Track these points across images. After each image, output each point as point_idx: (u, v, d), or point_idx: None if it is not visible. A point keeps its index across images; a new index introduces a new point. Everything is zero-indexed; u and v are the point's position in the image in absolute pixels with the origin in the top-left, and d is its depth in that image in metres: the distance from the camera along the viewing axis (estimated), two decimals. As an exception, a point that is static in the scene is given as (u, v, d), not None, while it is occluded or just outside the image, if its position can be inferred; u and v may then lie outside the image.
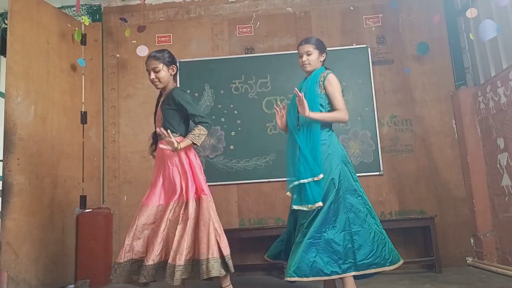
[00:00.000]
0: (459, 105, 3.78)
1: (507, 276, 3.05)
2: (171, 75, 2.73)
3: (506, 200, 3.28)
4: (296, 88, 2.53)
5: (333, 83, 2.57)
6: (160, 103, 2.74)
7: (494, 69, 3.59)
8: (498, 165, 3.35)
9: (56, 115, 3.66)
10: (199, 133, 2.57)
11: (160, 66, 2.66)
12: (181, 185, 2.58)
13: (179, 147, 2.53)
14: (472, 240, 3.70)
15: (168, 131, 2.53)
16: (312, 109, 2.49)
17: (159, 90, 2.80)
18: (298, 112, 2.58)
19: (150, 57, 2.69)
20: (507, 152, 3.22)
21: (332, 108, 2.59)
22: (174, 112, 2.65)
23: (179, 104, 2.61)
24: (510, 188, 3.22)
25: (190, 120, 2.71)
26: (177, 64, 2.80)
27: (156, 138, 2.80)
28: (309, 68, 2.66)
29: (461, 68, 3.96)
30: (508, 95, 3.15)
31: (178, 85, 4.08)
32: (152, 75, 2.66)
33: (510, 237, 3.25)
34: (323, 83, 2.58)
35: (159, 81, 2.67)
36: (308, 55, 2.63)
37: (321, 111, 2.56)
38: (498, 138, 3.33)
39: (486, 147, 3.56)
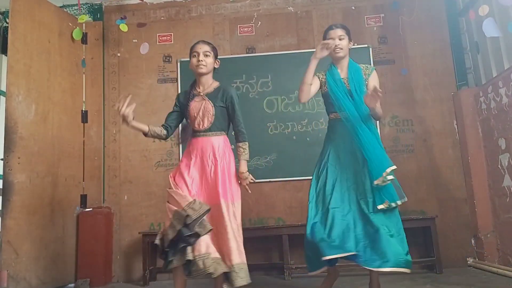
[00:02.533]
0: (460, 106, 3.77)
1: (508, 277, 3.04)
2: (214, 67, 2.65)
3: (507, 201, 3.27)
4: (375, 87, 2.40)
5: (376, 79, 2.58)
6: (206, 95, 2.59)
7: (495, 69, 3.58)
8: (499, 166, 3.34)
9: (57, 114, 3.66)
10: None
11: (211, 54, 2.60)
12: (223, 187, 2.50)
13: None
14: (473, 241, 3.69)
15: None
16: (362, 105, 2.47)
17: (200, 75, 2.61)
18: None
19: (201, 42, 2.63)
20: (508, 153, 3.21)
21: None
22: (223, 110, 2.59)
23: (232, 105, 2.58)
24: (511, 188, 3.21)
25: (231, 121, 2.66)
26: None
27: (189, 129, 2.67)
28: (342, 54, 2.54)
29: (462, 69, 3.95)
30: (509, 95, 3.14)
31: (179, 84, 4.11)
32: (202, 57, 2.55)
33: (511, 238, 3.24)
34: (367, 79, 2.55)
35: (206, 66, 2.57)
36: (341, 39, 2.53)
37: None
38: (499, 138, 3.33)
39: (487, 147, 3.55)
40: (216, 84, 2.64)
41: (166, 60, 4.17)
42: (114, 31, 4.24)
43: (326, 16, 4.15)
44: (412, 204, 3.79)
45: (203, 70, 2.57)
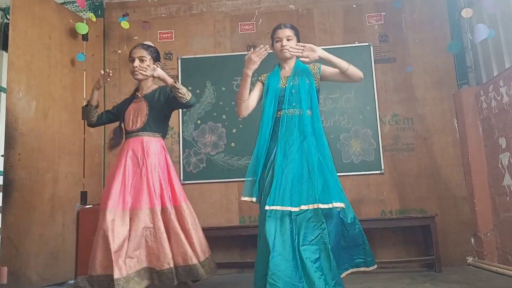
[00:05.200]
0: (461, 104, 3.77)
1: (507, 276, 3.04)
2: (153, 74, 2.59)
3: (507, 200, 3.27)
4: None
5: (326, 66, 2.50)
6: (143, 97, 2.63)
7: (496, 68, 3.58)
8: (499, 165, 3.34)
9: (57, 110, 3.66)
10: (187, 90, 2.49)
11: (148, 58, 2.59)
12: (161, 190, 2.51)
13: (154, 73, 2.45)
14: (472, 240, 3.69)
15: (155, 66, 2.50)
16: (314, 105, 2.45)
17: (138, 81, 2.68)
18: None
19: (138, 45, 2.63)
20: (508, 152, 3.21)
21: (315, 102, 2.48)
22: (161, 112, 2.60)
23: (168, 98, 2.54)
24: (511, 187, 3.21)
25: (168, 121, 2.72)
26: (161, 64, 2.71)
27: (120, 133, 2.71)
28: (288, 54, 2.49)
29: (463, 67, 3.95)
30: (510, 94, 3.14)
31: (180, 82, 4.09)
32: (137, 63, 2.55)
33: (511, 237, 3.25)
34: (318, 74, 2.51)
35: (140, 71, 2.57)
36: (289, 40, 2.49)
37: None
38: (500, 137, 3.33)
39: (487, 146, 3.55)
40: (155, 86, 2.63)
41: (167, 57, 4.16)
42: (115, 28, 4.24)
43: (327, 14, 4.15)
44: (412, 203, 3.80)
45: (137, 77, 2.57)
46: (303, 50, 2.36)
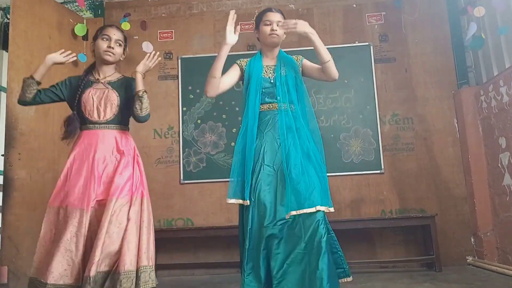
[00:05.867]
0: (461, 104, 3.77)
1: (507, 276, 3.05)
2: (120, 59, 2.46)
3: (507, 200, 3.27)
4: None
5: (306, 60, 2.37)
6: (109, 84, 2.41)
7: (496, 68, 3.58)
8: (499, 165, 3.35)
9: (57, 110, 3.64)
10: (147, 107, 2.32)
11: (124, 44, 2.44)
12: (129, 181, 2.30)
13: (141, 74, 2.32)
14: (472, 239, 3.69)
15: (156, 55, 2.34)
16: (303, 98, 2.32)
17: (104, 62, 2.44)
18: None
19: (115, 27, 2.45)
20: (508, 152, 3.21)
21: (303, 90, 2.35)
22: (128, 104, 2.37)
23: (130, 96, 2.36)
24: (511, 187, 3.22)
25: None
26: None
27: (76, 121, 2.41)
28: (276, 40, 2.30)
29: (463, 67, 3.95)
30: (510, 94, 3.14)
31: (180, 82, 4.11)
32: (112, 44, 2.34)
33: (511, 236, 3.25)
34: (301, 66, 2.36)
35: (114, 55, 2.38)
36: (278, 25, 2.28)
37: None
38: (500, 137, 3.33)
39: (487, 146, 3.55)
40: (119, 74, 2.44)
41: (167, 57, 4.16)
42: (115, 28, 4.24)
43: (327, 14, 4.15)
44: (412, 202, 3.80)
45: (109, 58, 2.37)
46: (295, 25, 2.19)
